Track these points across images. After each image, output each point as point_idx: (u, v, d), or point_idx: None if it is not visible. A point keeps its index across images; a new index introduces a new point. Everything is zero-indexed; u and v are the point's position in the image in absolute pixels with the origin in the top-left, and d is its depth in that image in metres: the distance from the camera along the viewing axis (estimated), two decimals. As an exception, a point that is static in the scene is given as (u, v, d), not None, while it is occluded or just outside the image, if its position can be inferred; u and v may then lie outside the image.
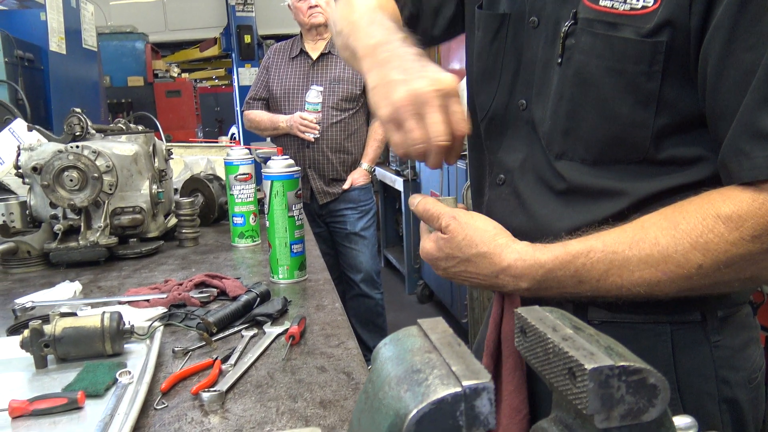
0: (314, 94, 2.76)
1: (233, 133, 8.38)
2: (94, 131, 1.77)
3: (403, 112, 0.78)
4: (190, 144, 3.09)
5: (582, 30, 0.77)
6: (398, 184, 4.78)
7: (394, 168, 4.87)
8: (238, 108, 8.20)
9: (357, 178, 3.01)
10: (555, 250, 0.75)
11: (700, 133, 0.77)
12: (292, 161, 1.43)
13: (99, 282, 1.50)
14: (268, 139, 3.26)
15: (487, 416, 0.38)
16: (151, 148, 1.82)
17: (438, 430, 0.38)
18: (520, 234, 0.90)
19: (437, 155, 0.78)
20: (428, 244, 0.82)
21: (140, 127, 1.94)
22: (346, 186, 2.99)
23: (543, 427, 0.48)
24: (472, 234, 0.77)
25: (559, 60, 0.82)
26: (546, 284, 0.75)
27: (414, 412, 0.37)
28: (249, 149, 1.86)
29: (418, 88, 0.77)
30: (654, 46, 0.73)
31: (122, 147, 1.71)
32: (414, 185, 4.58)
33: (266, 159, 1.96)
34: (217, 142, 4.48)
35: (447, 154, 0.79)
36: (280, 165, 1.40)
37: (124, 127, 1.90)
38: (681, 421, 0.48)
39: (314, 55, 2.88)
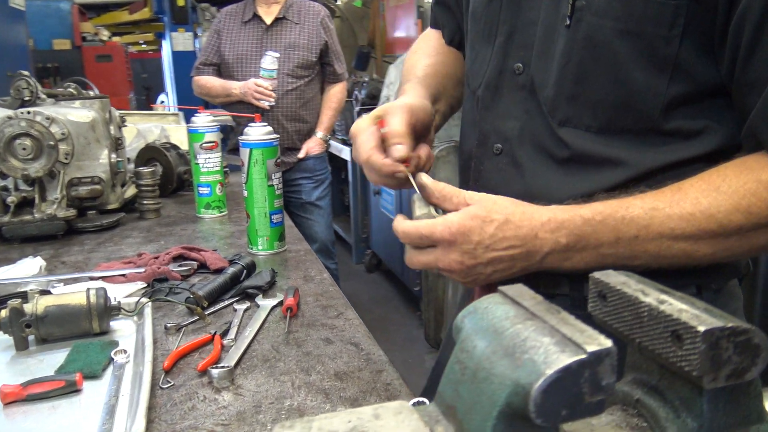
0: (270, 60, 2.66)
1: (162, 101, 8.05)
2: (44, 96, 1.65)
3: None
4: (143, 113, 2.94)
5: None
6: (345, 153, 4.73)
7: (340, 137, 4.81)
8: (172, 75, 7.87)
9: (312, 147, 2.95)
10: (593, 204, 0.74)
11: (709, 104, 0.77)
12: (270, 128, 1.38)
13: (62, 257, 1.41)
14: (210, 106, 3.14)
15: (609, 383, 0.37)
16: (107, 114, 1.71)
17: (562, 398, 0.37)
18: None
19: (373, 175, 0.86)
20: (453, 216, 0.73)
21: (92, 92, 1.82)
22: (301, 155, 2.92)
23: (624, 390, 0.48)
24: (498, 199, 0.75)
25: (567, 22, 0.79)
26: (584, 240, 0.73)
27: (541, 380, 0.36)
28: (213, 116, 1.78)
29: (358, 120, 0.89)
30: (676, 8, 0.72)
31: (78, 113, 1.60)
32: (362, 155, 4.54)
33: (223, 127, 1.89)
34: (166, 110, 4.28)
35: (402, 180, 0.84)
36: (259, 132, 1.35)
37: (75, 92, 1.78)
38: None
39: (268, 20, 2.77)
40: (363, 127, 0.87)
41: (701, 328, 0.39)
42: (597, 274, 0.49)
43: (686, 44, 0.73)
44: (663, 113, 0.77)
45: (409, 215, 0.83)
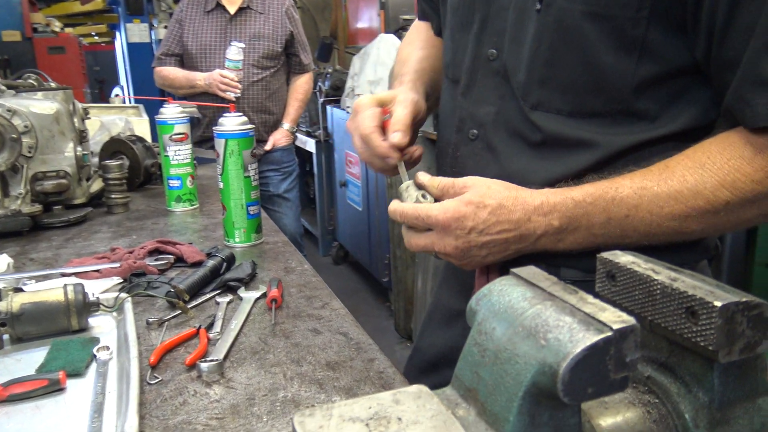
0: (235, 51, 2.61)
1: (117, 94, 7.85)
2: (4, 87, 1.58)
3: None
4: (101, 105, 2.85)
5: None
6: (309, 145, 4.69)
7: (305, 129, 4.76)
8: (127, 67, 7.66)
9: (279, 138, 2.91)
10: (583, 186, 0.76)
11: (677, 84, 0.79)
12: (245, 118, 1.36)
13: (29, 254, 1.36)
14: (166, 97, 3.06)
15: (634, 359, 0.38)
16: (71, 106, 1.65)
17: (589, 376, 0.37)
18: None
19: (366, 152, 0.88)
20: (449, 203, 0.76)
21: (53, 83, 1.76)
22: (267, 147, 2.89)
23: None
24: (492, 184, 0.77)
25: (538, 6, 0.80)
26: (576, 221, 0.75)
27: (569, 359, 0.36)
28: (182, 107, 1.74)
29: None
30: None
31: (41, 105, 1.55)
32: (327, 146, 4.52)
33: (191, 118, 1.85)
34: (122, 102, 4.17)
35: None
36: (234, 122, 1.33)
37: (35, 84, 1.72)
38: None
39: (232, 10, 2.71)
40: (367, 104, 0.90)
41: (717, 303, 0.40)
42: (605, 255, 0.50)
43: (653, 26, 0.75)
44: (633, 94, 0.78)
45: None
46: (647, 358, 0.49)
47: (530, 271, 0.47)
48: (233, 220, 1.35)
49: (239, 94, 2.69)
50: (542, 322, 0.40)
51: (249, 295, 1.07)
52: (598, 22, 0.76)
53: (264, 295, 1.07)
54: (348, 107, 3.91)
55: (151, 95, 3.24)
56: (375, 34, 4.15)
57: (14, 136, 1.45)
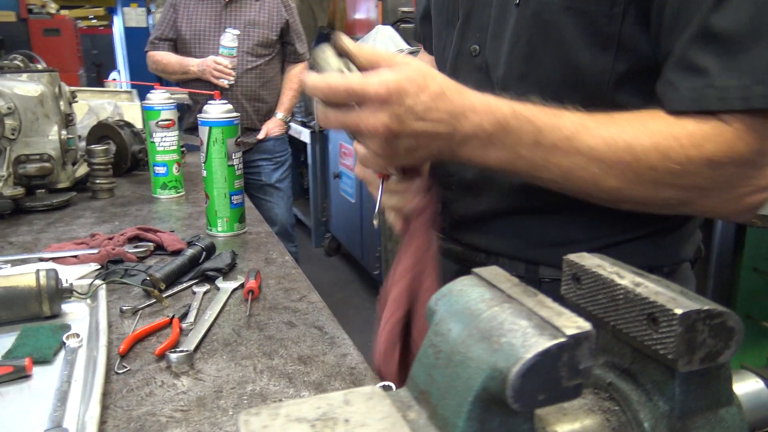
0: (230, 38, 2.58)
1: (114, 78, 7.81)
2: (-12, 68, 1.57)
3: None
4: (94, 89, 2.82)
5: None
6: (304, 135, 4.67)
7: (299, 119, 4.74)
8: (124, 52, 7.61)
9: (272, 128, 2.89)
10: (528, 104, 0.71)
11: (655, 80, 0.77)
12: (230, 106, 1.34)
13: (9, 237, 1.35)
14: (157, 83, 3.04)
15: (587, 366, 0.37)
16: (57, 89, 1.63)
17: (540, 382, 0.36)
18: (470, 183, 0.89)
19: None
20: (389, 74, 0.66)
21: (41, 65, 1.74)
22: (260, 136, 2.86)
23: (596, 373, 0.48)
24: (434, 70, 0.71)
25: (517, 1, 0.79)
26: (506, 132, 0.70)
27: (520, 364, 0.35)
28: (170, 93, 1.72)
29: None
30: None
31: (25, 87, 1.53)
32: (321, 137, 4.50)
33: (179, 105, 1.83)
34: (118, 87, 4.13)
35: None
36: (218, 110, 1.31)
37: (21, 65, 1.69)
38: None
39: (226, -5, 2.69)
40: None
41: (678, 311, 0.39)
42: (571, 257, 0.49)
43: (628, 22, 0.74)
44: (611, 90, 0.78)
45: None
46: (610, 364, 0.48)
47: (492, 272, 0.45)
48: (216, 208, 1.34)
49: (233, 82, 2.67)
50: (497, 325, 0.39)
51: (226, 286, 1.06)
52: (574, 17, 0.75)
53: (242, 286, 1.06)
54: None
55: (148, 80, 3.22)
56: (372, 26, 4.13)
57: (-3, 117, 1.43)
